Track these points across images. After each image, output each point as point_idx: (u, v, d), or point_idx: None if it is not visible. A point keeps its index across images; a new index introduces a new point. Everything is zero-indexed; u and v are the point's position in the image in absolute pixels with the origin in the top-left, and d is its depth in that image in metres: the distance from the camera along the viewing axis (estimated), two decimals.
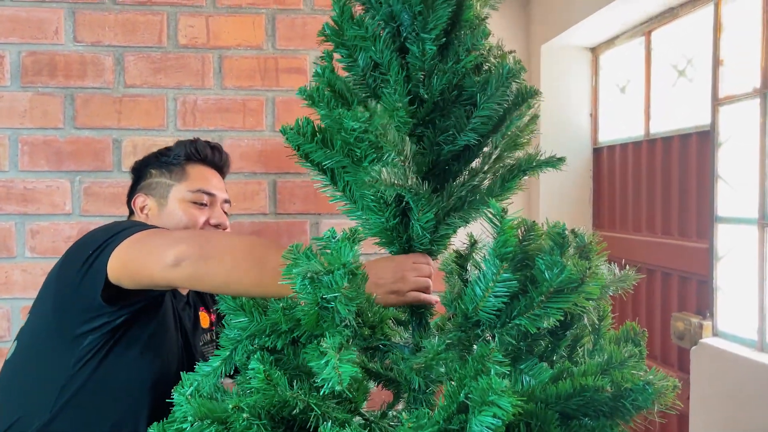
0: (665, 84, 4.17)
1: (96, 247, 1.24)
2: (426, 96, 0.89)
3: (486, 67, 0.93)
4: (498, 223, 0.71)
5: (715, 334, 3.52)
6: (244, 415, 0.72)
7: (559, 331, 0.87)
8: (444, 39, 0.89)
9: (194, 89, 1.98)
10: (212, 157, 1.56)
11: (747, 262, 3.34)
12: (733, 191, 3.48)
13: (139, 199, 1.51)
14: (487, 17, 0.94)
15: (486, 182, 0.92)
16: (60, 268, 1.33)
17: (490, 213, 0.73)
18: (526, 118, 0.94)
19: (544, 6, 5.17)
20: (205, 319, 1.62)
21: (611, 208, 4.88)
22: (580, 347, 0.90)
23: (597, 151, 5.11)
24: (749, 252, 3.31)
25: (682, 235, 3.94)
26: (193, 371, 1.37)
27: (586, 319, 0.89)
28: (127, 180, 1.90)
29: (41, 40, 1.91)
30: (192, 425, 0.76)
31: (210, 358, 1.50)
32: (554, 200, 5.18)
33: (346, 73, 0.97)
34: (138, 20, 1.95)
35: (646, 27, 4.30)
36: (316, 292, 0.73)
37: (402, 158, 0.80)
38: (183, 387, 0.80)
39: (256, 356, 0.83)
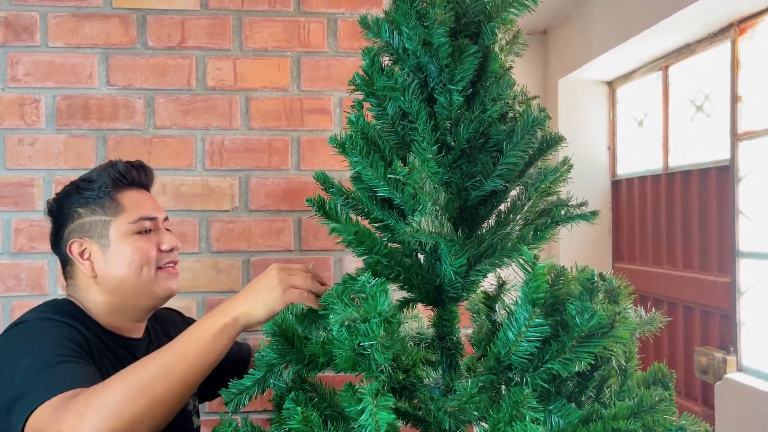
0: (683, 118, 4.20)
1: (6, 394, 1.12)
2: (453, 143, 0.92)
3: (511, 115, 0.96)
4: (530, 270, 0.73)
5: (740, 369, 3.49)
6: None
7: (587, 372, 0.89)
8: (470, 89, 0.92)
9: (222, 130, 2.03)
10: (139, 178, 1.43)
11: None
12: (754, 226, 3.47)
13: (75, 246, 1.35)
14: (511, 66, 0.97)
15: (517, 229, 0.95)
16: None
17: (522, 259, 0.75)
18: (553, 164, 0.97)
19: (561, 41, 5.23)
20: None
21: (631, 240, 4.87)
22: (607, 388, 0.92)
23: (615, 184, 5.12)
24: None
25: (703, 269, 3.93)
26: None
27: (613, 361, 0.90)
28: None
29: (75, 84, 1.97)
30: None
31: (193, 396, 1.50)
32: (573, 232, 5.19)
33: (375, 121, 1.01)
34: (168, 64, 2.01)
35: (664, 62, 4.34)
36: (353, 340, 0.75)
37: (437, 207, 0.83)
38: (223, 426, 0.82)
39: (291, 396, 0.85)
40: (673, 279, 4.19)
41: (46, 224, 1.93)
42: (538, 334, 0.74)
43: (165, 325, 1.56)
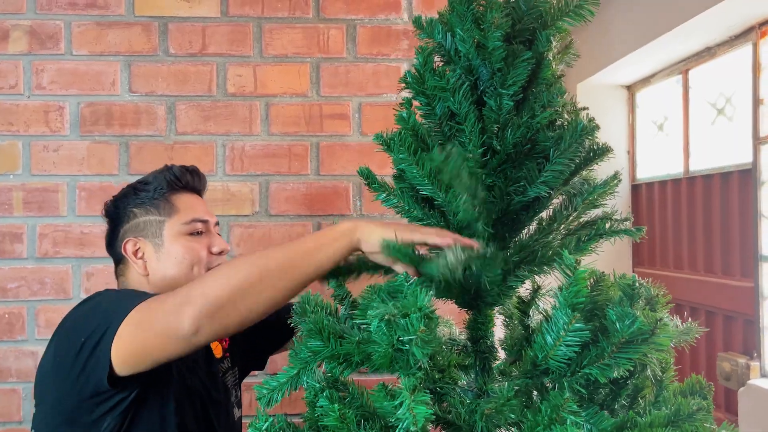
0: (704, 122, 4.16)
1: (88, 334, 1.15)
2: (499, 147, 0.92)
3: (559, 123, 0.95)
4: (570, 274, 0.73)
5: (764, 375, 3.44)
6: None
7: (621, 381, 0.88)
8: (521, 95, 0.92)
9: (242, 136, 2.04)
10: (193, 182, 1.49)
11: None
12: None
13: (130, 245, 1.40)
14: (563, 75, 0.97)
15: (559, 238, 0.94)
16: (54, 357, 1.23)
17: (563, 264, 0.74)
18: (596, 175, 0.97)
19: (579, 45, 5.21)
20: (217, 348, 1.56)
21: (651, 245, 4.83)
22: (641, 398, 0.90)
23: (635, 188, 5.09)
24: None
25: (725, 273, 3.88)
26: (222, 408, 1.40)
27: (648, 370, 0.89)
28: None
29: (99, 91, 1.99)
30: None
31: (230, 387, 1.53)
32: None
33: (422, 120, 1.01)
34: (189, 70, 2.03)
35: (683, 65, 4.30)
36: (392, 335, 0.75)
37: (475, 202, 0.83)
38: (258, 421, 0.82)
39: (325, 393, 0.85)
40: (694, 284, 4.14)
41: (71, 229, 1.96)
42: (578, 339, 0.73)
43: None
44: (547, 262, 0.89)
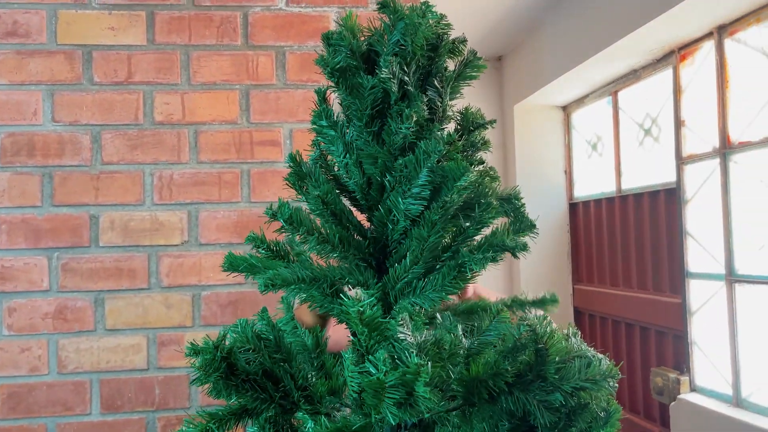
0: (633, 142, 4.31)
1: None
2: (378, 178, 0.93)
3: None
4: (349, 309, 0.72)
5: (693, 389, 3.55)
6: None
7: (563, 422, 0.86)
8: (378, 125, 0.94)
9: (170, 164, 2.03)
10: None
11: (719, 318, 3.39)
12: (701, 248, 3.56)
13: None
14: (416, 101, 0.97)
15: (437, 267, 0.94)
16: None
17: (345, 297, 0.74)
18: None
19: (515, 68, 5.34)
20: None
21: (589, 262, 4.95)
22: None
23: (573, 206, 5.21)
24: (720, 307, 3.37)
25: (656, 290, 4.01)
26: None
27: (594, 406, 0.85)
28: (104, 255, 1.95)
29: (20, 121, 1.96)
30: None
31: None
32: (533, 254, 5.25)
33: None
34: (115, 99, 2.01)
35: (613, 87, 4.45)
36: None
37: (319, 237, 0.84)
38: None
39: None
40: (629, 300, 4.26)
41: None
42: (354, 374, 0.74)
43: None
44: (427, 294, 0.89)
